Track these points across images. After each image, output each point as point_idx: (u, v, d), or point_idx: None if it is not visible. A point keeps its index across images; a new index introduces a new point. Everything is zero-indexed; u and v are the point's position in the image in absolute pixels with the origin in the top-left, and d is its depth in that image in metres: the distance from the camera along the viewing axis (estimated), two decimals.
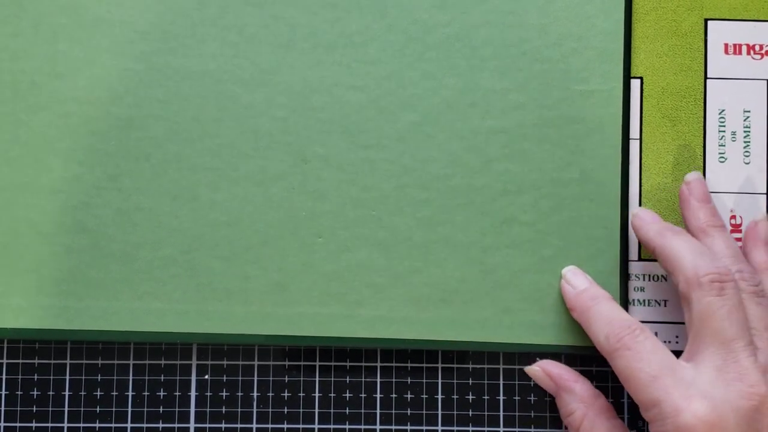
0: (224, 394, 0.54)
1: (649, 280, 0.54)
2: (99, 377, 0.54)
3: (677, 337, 0.54)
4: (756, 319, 0.48)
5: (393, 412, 0.54)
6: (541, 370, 0.53)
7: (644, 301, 0.54)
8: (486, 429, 0.54)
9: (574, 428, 0.51)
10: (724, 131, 0.55)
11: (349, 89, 0.53)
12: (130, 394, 0.54)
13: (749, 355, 0.46)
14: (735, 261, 0.50)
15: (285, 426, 0.54)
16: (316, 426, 0.54)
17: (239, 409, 0.54)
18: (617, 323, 0.49)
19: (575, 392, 0.52)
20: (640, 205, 0.54)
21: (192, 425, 0.54)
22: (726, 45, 0.55)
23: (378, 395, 0.55)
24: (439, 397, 0.54)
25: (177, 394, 0.54)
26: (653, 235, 0.51)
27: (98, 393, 0.54)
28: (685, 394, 0.46)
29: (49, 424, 0.54)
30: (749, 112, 0.55)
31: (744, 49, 0.55)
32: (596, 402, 0.51)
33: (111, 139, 0.53)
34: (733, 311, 0.47)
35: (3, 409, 0.54)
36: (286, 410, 0.54)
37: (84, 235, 0.52)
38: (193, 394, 0.54)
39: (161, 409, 0.54)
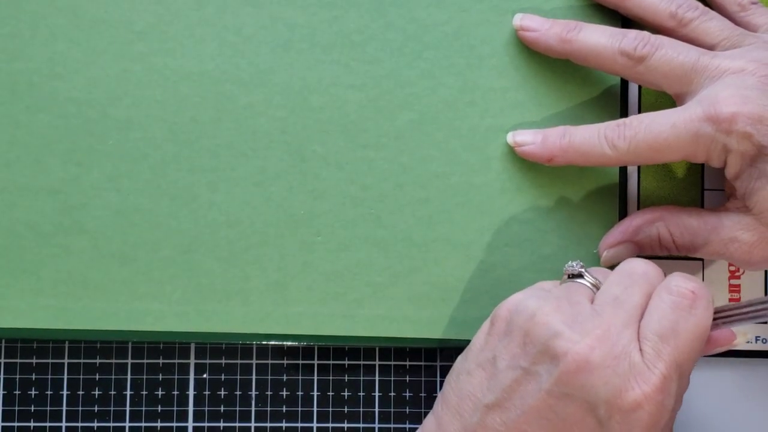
0: (222, 392, 0.54)
1: None
2: (97, 376, 0.54)
3: None
4: (718, 30, 0.50)
5: (391, 410, 0.54)
6: (609, 250, 0.52)
7: None
8: None
9: (670, 246, 0.51)
10: None
11: (347, 88, 0.53)
12: (128, 393, 0.54)
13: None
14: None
15: (283, 425, 0.54)
16: (315, 425, 0.54)
17: (237, 408, 0.54)
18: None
19: (639, 221, 0.51)
20: (638, 203, 0.54)
21: (190, 424, 0.54)
22: None
23: (376, 394, 0.55)
24: (438, 395, 0.54)
25: (175, 393, 0.54)
26: (555, 42, 0.52)
27: (96, 392, 0.54)
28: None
29: (47, 424, 0.54)
30: None
31: None
32: (662, 209, 0.51)
33: (109, 139, 0.52)
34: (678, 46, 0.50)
35: (1, 408, 0.54)
36: (284, 409, 0.54)
37: (83, 236, 0.52)
38: (191, 393, 0.54)
39: (159, 408, 0.54)
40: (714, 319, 0.44)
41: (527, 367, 0.43)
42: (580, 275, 0.46)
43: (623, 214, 0.53)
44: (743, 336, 0.46)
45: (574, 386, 0.42)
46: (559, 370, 0.42)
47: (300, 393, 0.54)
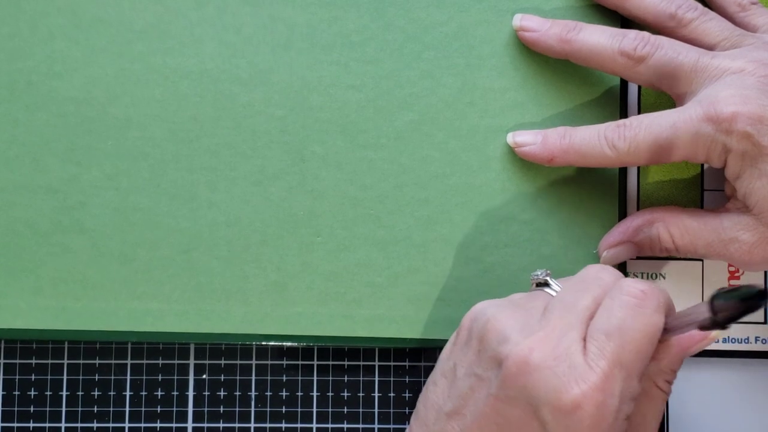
0: (222, 393, 0.54)
1: (649, 278, 0.54)
2: (96, 377, 0.54)
3: None
4: (718, 30, 0.50)
5: (391, 411, 0.54)
6: (609, 251, 0.52)
7: None
8: None
9: (670, 247, 0.51)
10: None
11: (347, 88, 0.53)
12: (127, 393, 0.54)
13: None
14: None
15: (283, 425, 0.54)
16: (314, 425, 0.54)
17: (237, 409, 0.54)
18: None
19: (639, 222, 0.52)
20: (638, 204, 0.54)
21: (190, 425, 0.54)
22: None
23: (376, 394, 0.55)
24: None
25: (175, 393, 0.54)
26: (555, 42, 0.52)
27: (96, 393, 0.54)
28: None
29: (47, 424, 0.54)
30: None
31: None
32: (662, 210, 0.52)
33: (108, 138, 0.52)
34: (678, 46, 0.50)
35: (0, 409, 0.54)
36: (284, 409, 0.54)
37: (82, 236, 0.52)
38: (190, 393, 0.54)
39: (159, 409, 0.54)
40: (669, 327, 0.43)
41: (480, 374, 0.43)
42: (546, 283, 0.46)
43: (623, 214, 0.53)
44: (717, 332, 0.45)
45: (516, 388, 0.41)
46: (502, 373, 0.42)
47: (299, 393, 0.54)
